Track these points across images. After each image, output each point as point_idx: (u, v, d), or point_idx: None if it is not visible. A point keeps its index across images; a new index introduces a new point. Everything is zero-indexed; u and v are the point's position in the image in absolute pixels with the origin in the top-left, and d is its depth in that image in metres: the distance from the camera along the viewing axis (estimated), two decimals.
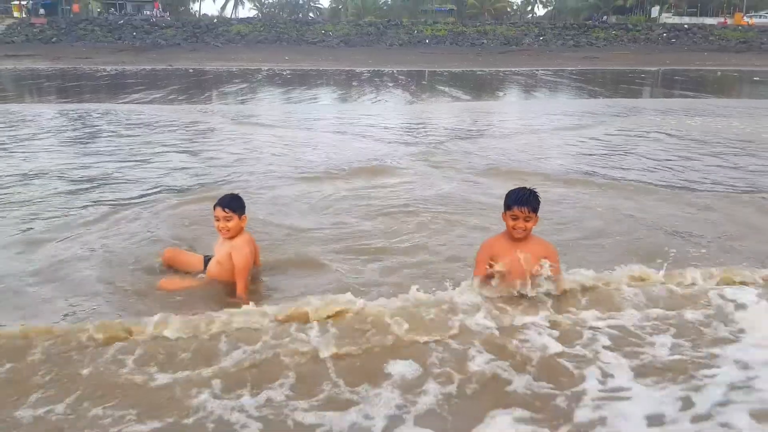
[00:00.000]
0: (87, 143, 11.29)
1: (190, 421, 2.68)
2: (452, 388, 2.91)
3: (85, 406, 2.81)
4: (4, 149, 10.43)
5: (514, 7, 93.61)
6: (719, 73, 38.74)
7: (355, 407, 2.75)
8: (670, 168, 9.00)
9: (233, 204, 4.26)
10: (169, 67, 41.05)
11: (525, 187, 4.01)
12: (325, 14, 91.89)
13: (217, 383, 2.96)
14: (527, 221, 3.86)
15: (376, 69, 40.95)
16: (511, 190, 4.00)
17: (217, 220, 4.24)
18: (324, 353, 3.19)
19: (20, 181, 7.96)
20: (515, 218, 3.87)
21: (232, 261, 4.21)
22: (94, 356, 3.23)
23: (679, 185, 7.83)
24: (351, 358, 3.19)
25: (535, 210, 3.89)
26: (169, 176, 8.46)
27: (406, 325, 3.47)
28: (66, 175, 8.36)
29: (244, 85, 28.00)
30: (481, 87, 29.41)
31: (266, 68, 40.90)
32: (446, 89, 26.56)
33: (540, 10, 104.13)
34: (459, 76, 35.80)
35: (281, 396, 2.86)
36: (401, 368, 3.07)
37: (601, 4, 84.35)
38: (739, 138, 11.87)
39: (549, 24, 69.36)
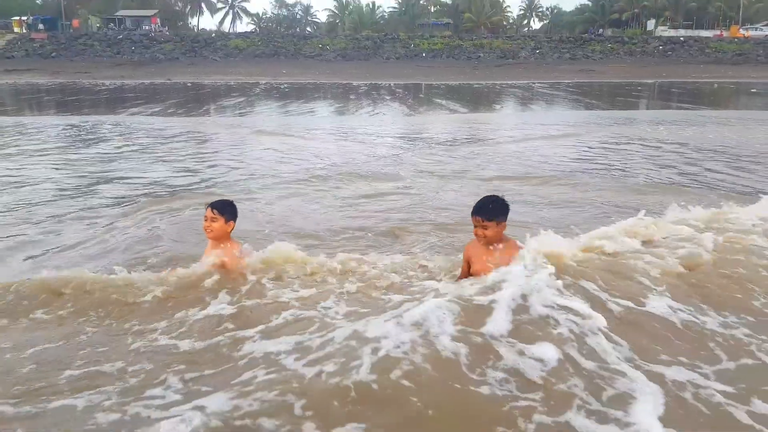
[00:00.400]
0: (96, 151, 11.35)
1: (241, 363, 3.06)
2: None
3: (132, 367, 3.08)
4: (23, 157, 10.51)
5: (510, 21, 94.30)
6: (716, 85, 38.99)
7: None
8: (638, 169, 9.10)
9: (222, 207, 4.48)
10: (167, 81, 41.22)
11: (490, 196, 4.18)
12: (323, 29, 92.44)
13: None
14: (484, 229, 4.02)
15: (373, 82, 41.16)
16: (480, 198, 4.16)
17: (205, 219, 4.47)
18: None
19: (25, 185, 8.02)
20: (475, 226, 4.07)
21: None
22: (143, 329, 3.54)
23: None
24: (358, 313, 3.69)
25: (491, 218, 4.01)
26: (170, 181, 8.55)
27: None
28: (76, 181, 8.42)
29: (242, 99, 28.14)
30: (479, 100, 29.57)
31: (264, 82, 41.10)
32: (443, 102, 26.70)
33: (536, 24, 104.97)
34: (456, 89, 36.00)
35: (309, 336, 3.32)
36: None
37: (597, 17, 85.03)
38: (722, 145, 11.98)
39: (545, 37, 69.86)
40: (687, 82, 40.89)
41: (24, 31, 65.91)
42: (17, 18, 68.54)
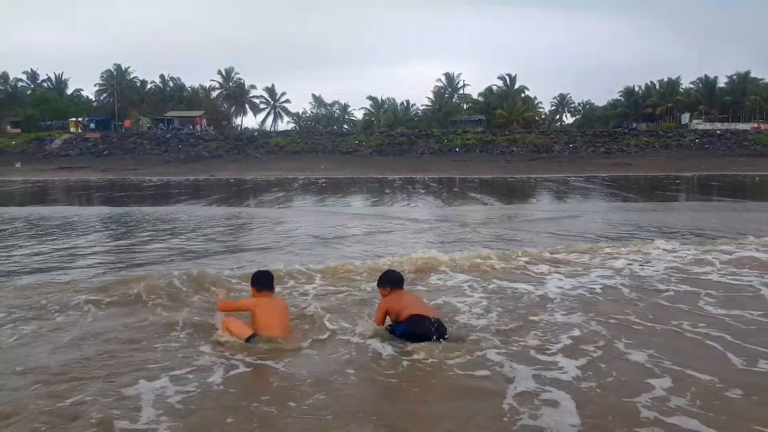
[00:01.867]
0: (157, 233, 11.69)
1: None
2: None
3: None
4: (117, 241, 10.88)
5: (543, 116, 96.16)
6: (757, 178, 38.41)
7: None
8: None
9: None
10: (211, 177, 42.80)
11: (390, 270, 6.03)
12: (359, 126, 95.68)
13: None
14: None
15: (407, 176, 41.97)
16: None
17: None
18: None
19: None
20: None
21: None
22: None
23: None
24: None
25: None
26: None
27: None
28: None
29: (282, 193, 28.89)
30: (513, 193, 29.72)
31: (303, 177, 42.31)
32: (477, 195, 26.92)
33: (568, 119, 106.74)
34: (490, 182, 36.37)
35: None
36: None
37: (630, 111, 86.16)
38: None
39: (578, 132, 70.73)
40: (726, 175, 40.50)
41: (79, 131, 70.16)
42: (73, 119, 73.26)
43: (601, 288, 7.14)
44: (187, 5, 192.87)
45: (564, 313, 6.05)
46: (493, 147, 62.89)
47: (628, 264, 8.49)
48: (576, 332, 5.39)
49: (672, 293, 6.86)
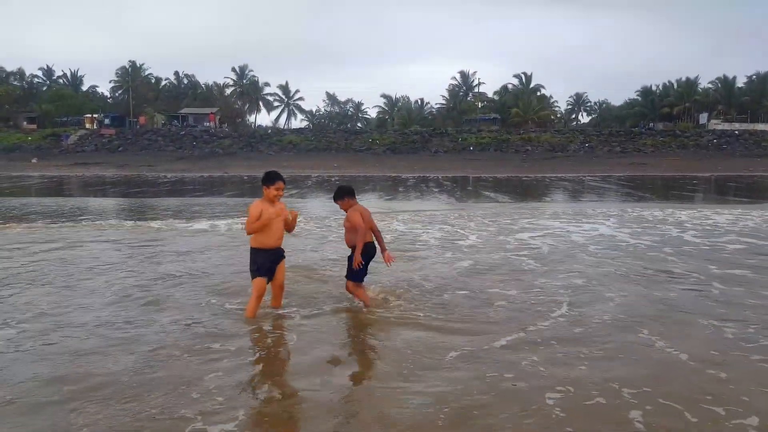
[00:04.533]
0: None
1: None
2: None
3: None
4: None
5: (558, 115, 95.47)
6: None
7: None
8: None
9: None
10: (224, 174, 42.85)
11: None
12: (373, 124, 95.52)
13: None
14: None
15: (421, 175, 41.76)
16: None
17: (279, 191, 6.62)
18: None
19: None
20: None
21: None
22: None
23: None
24: None
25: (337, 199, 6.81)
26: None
27: None
28: None
29: (295, 191, 28.82)
30: (527, 192, 29.41)
31: (316, 175, 42.22)
32: (492, 194, 26.67)
33: (584, 118, 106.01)
34: (504, 182, 36.07)
35: None
36: None
37: (647, 111, 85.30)
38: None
39: (594, 131, 70.10)
40: (743, 176, 39.91)
41: (95, 127, 70.67)
42: (89, 116, 73.82)
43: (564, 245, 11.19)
44: (202, 3, 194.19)
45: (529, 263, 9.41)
46: (508, 146, 62.51)
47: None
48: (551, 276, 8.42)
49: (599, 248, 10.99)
